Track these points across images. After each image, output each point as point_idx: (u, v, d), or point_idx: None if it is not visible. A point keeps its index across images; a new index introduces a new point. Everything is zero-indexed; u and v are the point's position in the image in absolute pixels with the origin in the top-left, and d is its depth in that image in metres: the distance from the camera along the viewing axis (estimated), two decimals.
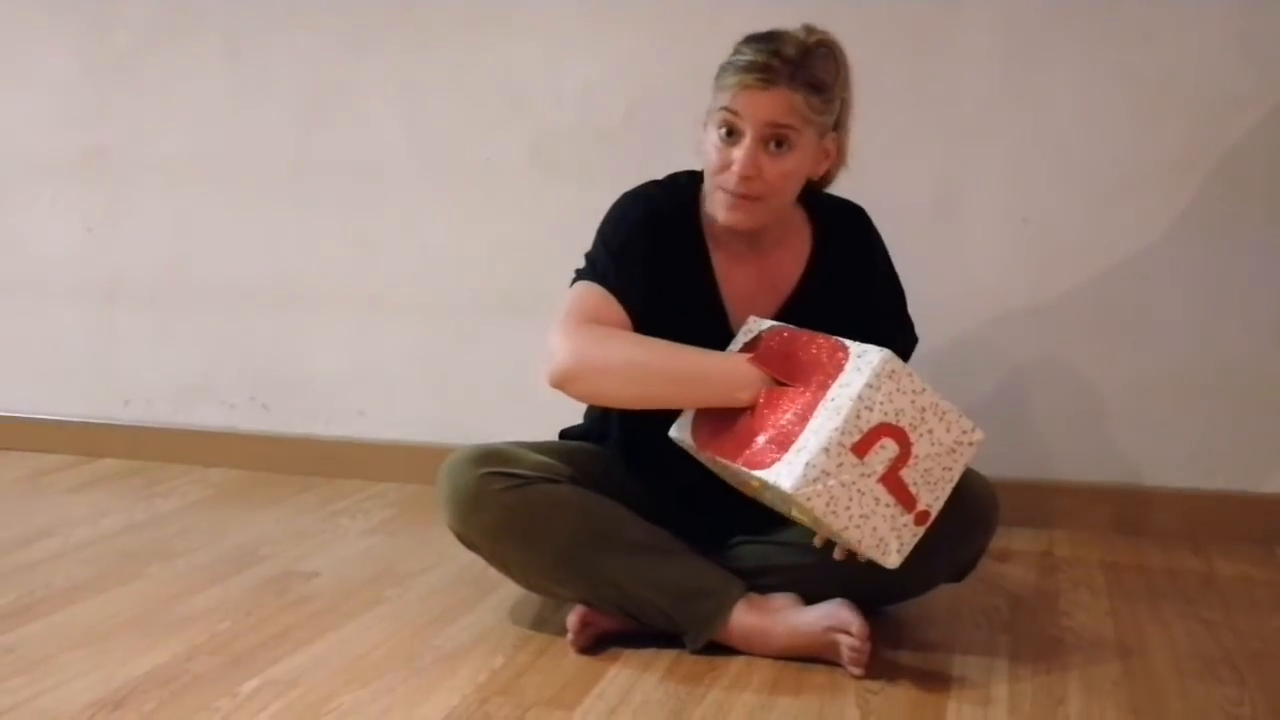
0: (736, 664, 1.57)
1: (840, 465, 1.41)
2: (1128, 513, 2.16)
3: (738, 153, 1.55)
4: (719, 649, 1.59)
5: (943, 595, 1.73)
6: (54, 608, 1.79)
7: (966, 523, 1.59)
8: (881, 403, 1.41)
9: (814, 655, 1.56)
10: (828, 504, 1.41)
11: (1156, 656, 1.61)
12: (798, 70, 1.53)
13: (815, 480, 1.40)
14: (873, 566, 1.47)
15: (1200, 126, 2.07)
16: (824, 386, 1.45)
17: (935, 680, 1.53)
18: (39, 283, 2.77)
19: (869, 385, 1.41)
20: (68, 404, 2.78)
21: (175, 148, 2.62)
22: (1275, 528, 2.10)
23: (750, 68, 1.53)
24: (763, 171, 1.55)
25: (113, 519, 2.26)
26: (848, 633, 1.51)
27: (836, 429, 1.40)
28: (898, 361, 1.43)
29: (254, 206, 2.59)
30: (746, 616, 1.58)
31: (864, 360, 1.44)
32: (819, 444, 1.40)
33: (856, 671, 1.51)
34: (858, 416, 1.41)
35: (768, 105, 1.53)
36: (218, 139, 2.59)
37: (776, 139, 1.55)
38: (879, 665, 1.54)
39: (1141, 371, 2.14)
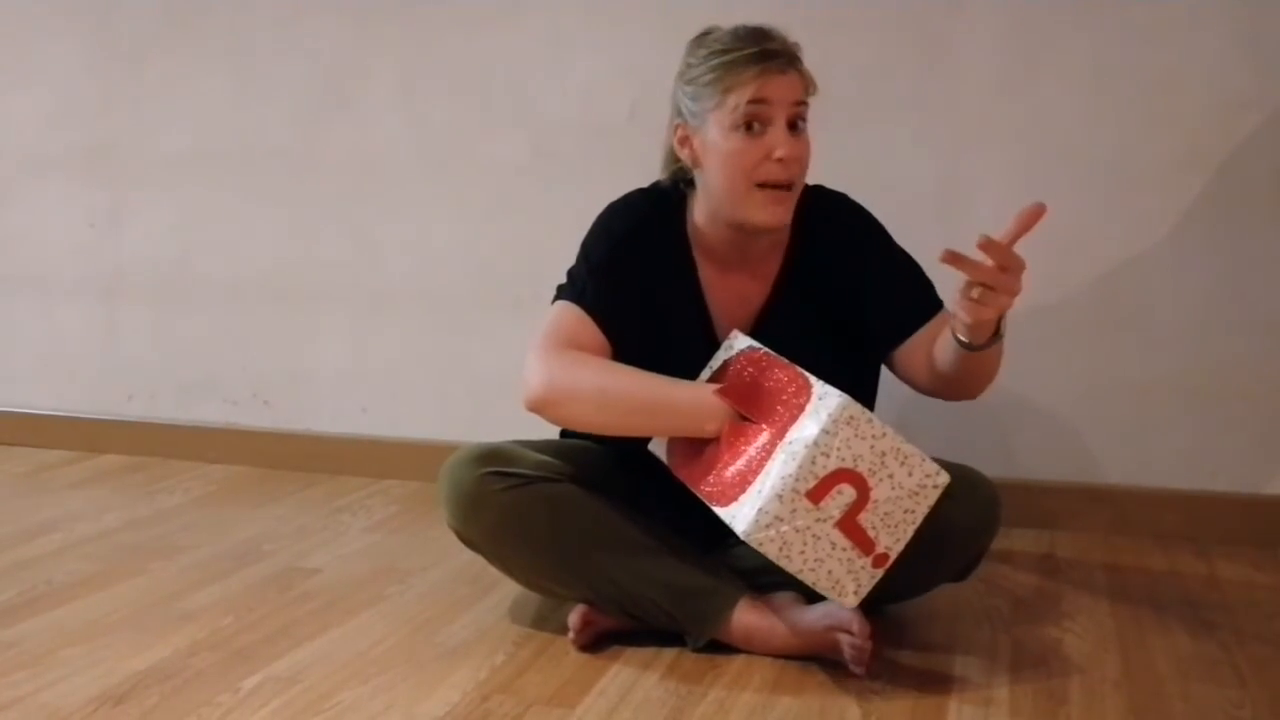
0: (737, 663, 1.57)
1: (794, 511, 1.39)
2: (1130, 514, 2.15)
3: (774, 141, 1.54)
4: (720, 648, 1.59)
5: (944, 595, 1.73)
6: (56, 603, 1.79)
7: (969, 523, 1.59)
8: (839, 449, 1.39)
9: (815, 654, 1.55)
10: (780, 549, 1.40)
11: (1158, 658, 1.60)
12: (795, 54, 1.57)
13: (768, 526, 1.39)
14: None
15: (1205, 127, 2.06)
16: (784, 429, 1.43)
17: (936, 680, 1.52)
18: (42, 278, 2.77)
19: (826, 431, 1.39)
20: (70, 399, 2.78)
21: (178, 144, 2.62)
22: (1278, 530, 2.09)
23: (766, 55, 1.53)
24: (798, 156, 1.56)
25: (115, 515, 2.26)
26: (849, 631, 1.50)
27: (791, 475, 1.38)
28: (857, 407, 1.40)
29: (257, 203, 2.59)
30: (747, 615, 1.58)
31: (823, 404, 1.41)
32: (773, 490, 1.39)
33: (858, 670, 1.51)
34: (813, 463, 1.38)
35: (792, 86, 1.55)
36: (221, 136, 2.59)
37: (795, 122, 1.56)
38: (880, 665, 1.54)
39: (1144, 372, 2.14)
